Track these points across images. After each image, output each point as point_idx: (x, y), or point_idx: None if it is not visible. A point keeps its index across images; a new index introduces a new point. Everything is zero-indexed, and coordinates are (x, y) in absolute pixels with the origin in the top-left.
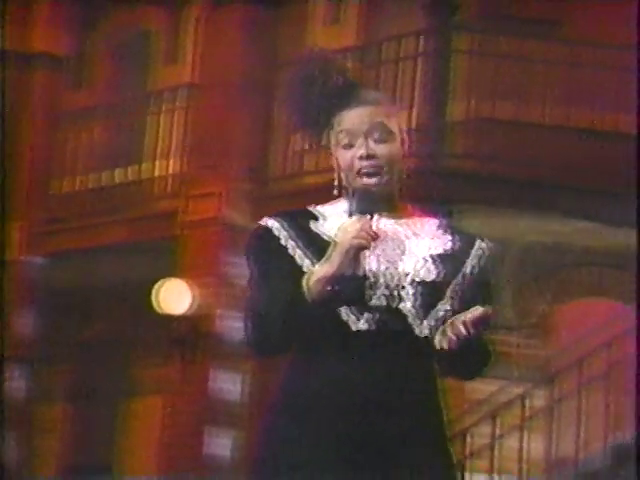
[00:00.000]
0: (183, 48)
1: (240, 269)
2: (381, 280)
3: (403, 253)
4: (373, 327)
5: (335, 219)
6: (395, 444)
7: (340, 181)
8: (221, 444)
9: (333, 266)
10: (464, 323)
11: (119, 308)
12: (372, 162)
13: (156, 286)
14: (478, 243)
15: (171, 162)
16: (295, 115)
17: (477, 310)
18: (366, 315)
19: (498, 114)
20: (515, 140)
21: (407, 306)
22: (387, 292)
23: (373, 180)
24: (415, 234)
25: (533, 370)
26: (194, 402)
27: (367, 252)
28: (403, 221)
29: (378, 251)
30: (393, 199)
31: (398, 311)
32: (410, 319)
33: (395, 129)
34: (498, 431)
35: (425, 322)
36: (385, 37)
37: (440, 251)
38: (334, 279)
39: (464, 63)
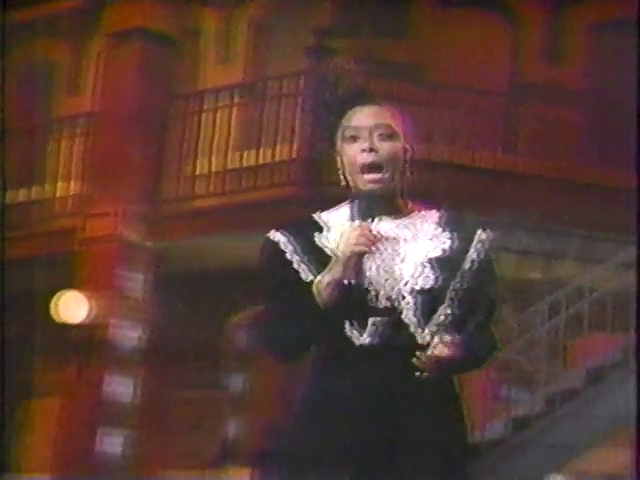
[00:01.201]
0: (84, 80)
1: (133, 283)
2: (382, 292)
3: (402, 260)
4: (376, 341)
5: (338, 229)
6: (411, 455)
7: (345, 178)
8: (113, 443)
9: (338, 272)
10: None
11: (21, 317)
12: (374, 156)
13: (55, 297)
14: (478, 235)
15: (72, 183)
16: (312, 118)
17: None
18: (369, 329)
19: None
20: None
21: (408, 316)
22: (388, 304)
23: (377, 176)
24: (414, 236)
25: None
26: (89, 404)
27: (368, 262)
28: (403, 222)
29: (378, 261)
30: (394, 198)
31: (400, 322)
32: (412, 328)
33: (398, 130)
34: None
35: (427, 329)
36: (270, 76)
37: (439, 253)
38: (341, 285)
39: None
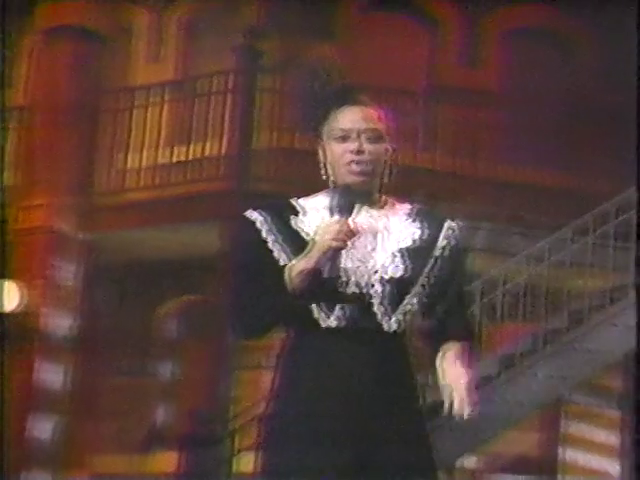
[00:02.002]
0: (17, 74)
1: (65, 273)
2: (352, 278)
3: (374, 250)
4: (343, 324)
5: (314, 214)
6: (369, 438)
7: (326, 172)
8: (44, 429)
9: (312, 262)
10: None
11: None
12: (362, 157)
13: None
14: (447, 224)
15: (5, 175)
16: (299, 110)
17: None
18: (336, 312)
19: (296, 145)
20: (310, 167)
21: (376, 303)
22: (357, 290)
23: (363, 177)
24: (387, 227)
25: None
26: (20, 391)
27: (342, 251)
28: (378, 213)
29: (352, 250)
30: (373, 192)
31: (368, 308)
32: (379, 316)
33: (384, 132)
34: None
35: (394, 317)
36: (200, 74)
37: (409, 243)
38: (313, 273)
39: (267, 100)
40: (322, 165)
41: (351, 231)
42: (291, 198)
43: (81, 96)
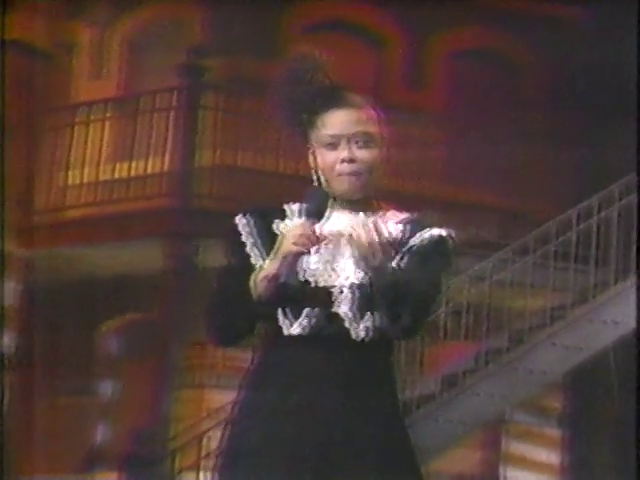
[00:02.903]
0: None
1: (4, 290)
2: (321, 284)
3: (348, 257)
4: (307, 332)
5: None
6: (338, 451)
7: (319, 179)
8: None
9: (274, 267)
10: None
11: None
12: (353, 166)
13: None
14: (426, 231)
15: None
16: (280, 112)
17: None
18: (301, 319)
19: (239, 162)
20: (253, 185)
21: (344, 309)
22: (326, 296)
23: (353, 189)
24: (369, 232)
25: None
26: None
27: (314, 256)
28: (367, 219)
29: (325, 255)
30: (366, 198)
31: (335, 315)
32: (347, 323)
33: (377, 135)
34: None
35: (362, 325)
36: (142, 91)
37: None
38: (275, 280)
39: (210, 118)
40: (313, 171)
41: (316, 237)
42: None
43: (21, 112)
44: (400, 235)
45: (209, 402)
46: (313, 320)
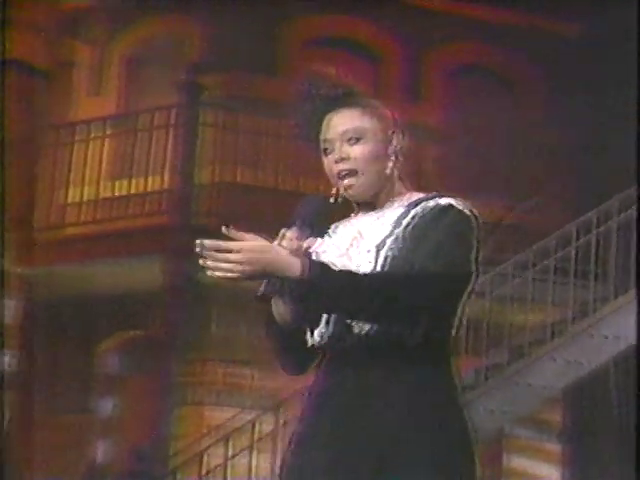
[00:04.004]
0: None
1: (4, 308)
2: None
3: (358, 254)
4: (325, 340)
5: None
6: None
7: (337, 191)
8: None
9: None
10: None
11: None
12: (345, 165)
13: None
14: (424, 202)
15: None
16: (296, 128)
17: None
18: (320, 328)
19: (239, 179)
20: (253, 201)
21: None
22: None
23: (352, 181)
24: (382, 225)
25: (263, 399)
26: None
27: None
28: (379, 214)
29: (342, 261)
30: (377, 193)
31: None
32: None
33: (372, 130)
34: (231, 452)
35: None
36: (142, 109)
37: (386, 233)
38: (258, 294)
39: (210, 135)
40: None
41: (292, 246)
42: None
43: (22, 130)
44: (397, 216)
45: (209, 419)
46: (330, 327)
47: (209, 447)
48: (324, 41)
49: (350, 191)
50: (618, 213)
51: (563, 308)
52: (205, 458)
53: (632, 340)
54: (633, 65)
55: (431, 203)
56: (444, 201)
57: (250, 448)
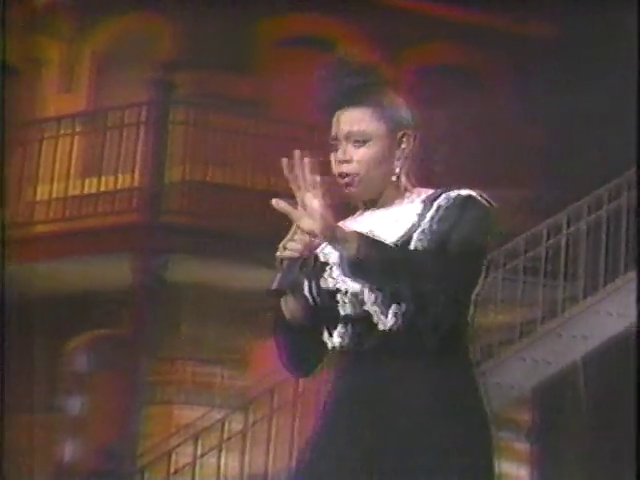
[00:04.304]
0: None
1: None
2: (350, 290)
3: None
4: (346, 341)
5: None
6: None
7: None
8: None
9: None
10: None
11: None
12: (347, 167)
13: None
14: (445, 194)
15: None
16: (316, 112)
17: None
18: (338, 329)
19: (209, 178)
20: (224, 200)
21: (370, 305)
22: (354, 298)
23: (350, 188)
24: (396, 221)
25: (232, 398)
26: None
27: (332, 267)
28: (389, 211)
29: None
30: (384, 193)
31: (366, 314)
32: (374, 318)
33: (381, 132)
34: (200, 451)
35: (390, 313)
36: (112, 106)
37: (403, 232)
38: (272, 289)
39: (180, 133)
40: None
41: (306, 240)
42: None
43: None
44: (416, 212)
45: (178, 418)
46: (349, 326)
47: (178, 446)
48: (296, 40)
49: (350, 195)
50: (588, 214)
51: (532, 308)
52: (173, 457)
53: (601, 339)
54: (602, 66)
55: (452, 194)
56: (465, 192)
57: (219, 447)
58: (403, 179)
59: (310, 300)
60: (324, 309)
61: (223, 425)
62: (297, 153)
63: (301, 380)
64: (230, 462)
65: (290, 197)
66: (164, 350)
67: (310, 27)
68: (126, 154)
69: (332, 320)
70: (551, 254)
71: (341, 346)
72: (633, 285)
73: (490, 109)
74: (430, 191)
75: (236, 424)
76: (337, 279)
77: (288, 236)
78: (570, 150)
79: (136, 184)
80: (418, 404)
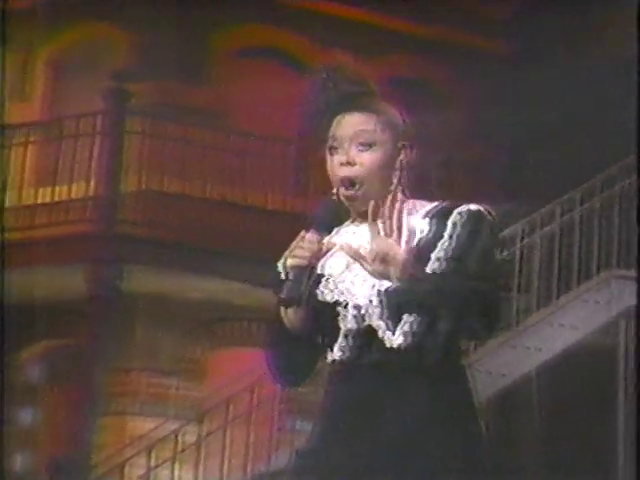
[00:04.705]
0: None
1: None
2: (351, 302)
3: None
4: (347, 354)
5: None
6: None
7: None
8: None
9: (285, 287)
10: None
11: None
12: (351, 170)
13: None
14: (455, 212)
15: None
16: (306, 119)
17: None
18: (339, 342)
19: (166, 188)
20: (180, 210)
21: (375, 320)
22: (356, 312)
23: (351, 192)
24: (397, 235)
25: (187, 409)
26: None
27: (343, 275)
28: (388, 224)
29: (356, 271)
30: (380, 202)
31: (369, 328)
32: (380, 333)
33: (383, 138)
34: (153, 463)
35: (397, 331)
36: (67, 115)
37: (412, 245)
38: (285, 297)
39: (136, 142)
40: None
41: (319, 248)
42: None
43: None
44: (427, 228)
45: (132, 430)
46: (350, 340)
47: (131, 458)
48: (252, 51)
49: (349, 200)
50: (541, 226)
51: None
52: (127, 469)
53: (553, 351)
54: (555, 82)
55: (463, 210)
56: (474, 207)
57: (173, 459)
58: (400, 190)
59: (308, 311)
60: (324, 321)
61: (177, 436)
62: (389, 198)
63: (256, 392)
64: (184, 474)
65: (255, 210)
66: (119, 361)
67: (266, 38)
68: (81, 163)
69: (332, 333)
70: (506, 267)
71: (341, 359)
72: (586, 297)
73: (446, 121)
74: (426, 204)
75: (190, 436)
76: (335, 291)
77: (293, 245)
78: (524, 164)
79: (91, 194)
80: (415, 416)
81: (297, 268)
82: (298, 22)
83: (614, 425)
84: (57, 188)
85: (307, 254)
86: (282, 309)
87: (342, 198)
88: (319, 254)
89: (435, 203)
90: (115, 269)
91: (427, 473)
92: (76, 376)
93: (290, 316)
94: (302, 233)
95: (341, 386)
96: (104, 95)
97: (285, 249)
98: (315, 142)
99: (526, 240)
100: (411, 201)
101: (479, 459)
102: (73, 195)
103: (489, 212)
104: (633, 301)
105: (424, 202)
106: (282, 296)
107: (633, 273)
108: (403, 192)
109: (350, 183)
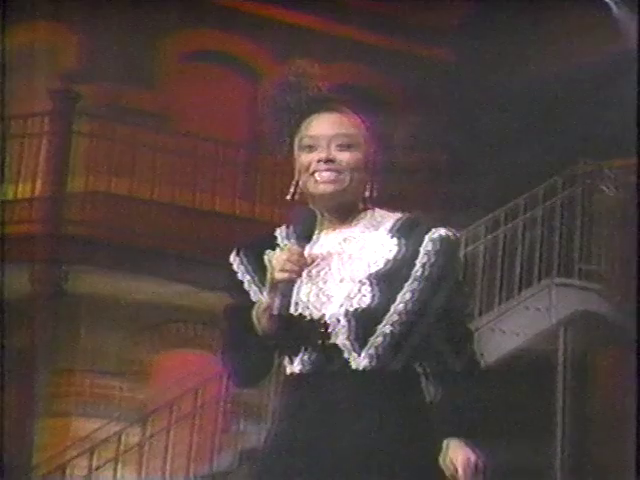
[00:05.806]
0: None
1: None
2: (317, 317)
3: (341, 280)
4: (307, 368)
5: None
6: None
7: (296, 188)
8: None
9: (268, 300)
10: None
11: None
12: (331, 166)
13: None
14: (429, 235)
15: None
16: (270, 121)
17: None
18: (300, 356)
19: (113, 189)
20: (127, 212)
21: (342, 340)
22: (322, 328)
23: (331, 187)
24: (361, 249)
25: (131, 410)
26: None
27: (305, 286)
28: (353, 233)
29: (319, 283)
30: (350, 208)
31: (334, 347)
32: (346, 353)
33: (360, 140)
34: (95, 464)
35: (363, 353)
36: (14, 115)
37: (381, 265)
38: (270, 311)
39: (84, 144)
40: (293, 184)
41: (304, 261)
42: (278, 227)
43: None
44: (396, 249)
45: (75, 431)
46: (312, 356)
47: (73, 459)
48: (201, 55)
49: (325, 186)
50: (485, 235)
51: None
52: (68, 470)
53: (496, 356)
54: (501, 89)
55: (434, 236)
56: (443, 232)
57: (115, 460)
58: (367, 195)
59: (281, 321)
60: (289, 333)
61: (120, 437)
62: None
63: (200, 393)
64: (127, 475)
65: (204, 213)
66: (62, 361)
67: (216, 43)
68: (27, 163)
69: (293, 346)
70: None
71: (301, 372)
72: (528, 303)
73: (392, 130)
74: (386, 214)
75: (134, 437)
76: (299, 305)
77: (281, 258)
78: (465, 176)
79: (37, 194)
80: (370, 426)
81: (287, 282)
82: (248, 27)
83: (552, 430)
84: (3, 187)
85: (297, 269)
86: (254, 314)
87: (314, 188)
88: (304, 266)
89: (398, 215)
90: (60, 270)
91: None
92: (19, 376)
93: (264, 324)
94: (289, 245)
95: (299, 392)
96: (52, 96)
97: (231, 251)
98: (272, 144)
99: (470, 247)
100: (376, 210)
101: (429, 469)
102: (19, 195)
103: (456, 236)
104: (572, 308)
105: (384, 212)
106: (273, 313)
107: (573, 281)
108: (370, 198)
109: (331, 179)
